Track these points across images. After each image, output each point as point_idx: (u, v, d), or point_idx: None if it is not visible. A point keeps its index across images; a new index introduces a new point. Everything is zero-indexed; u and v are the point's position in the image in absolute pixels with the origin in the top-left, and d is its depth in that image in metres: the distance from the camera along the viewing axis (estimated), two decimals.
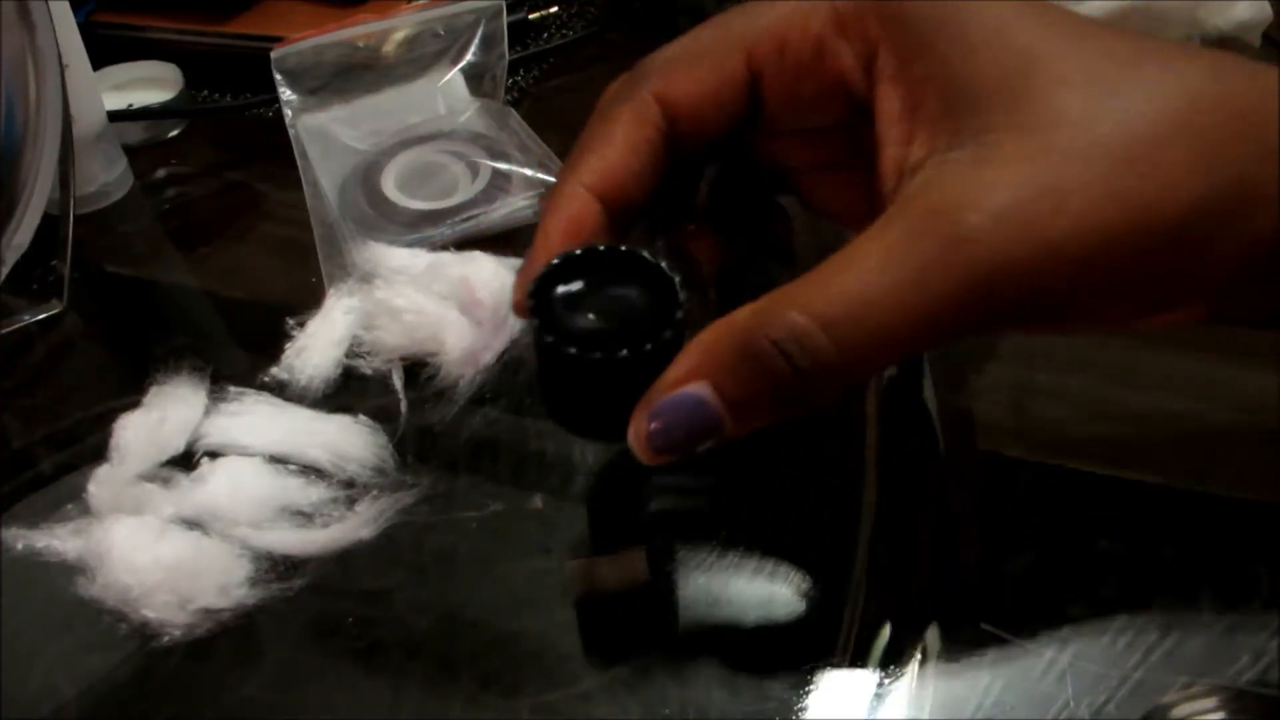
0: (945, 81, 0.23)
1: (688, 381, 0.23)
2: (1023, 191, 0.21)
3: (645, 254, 0.26)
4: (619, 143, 0.27)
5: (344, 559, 0.31)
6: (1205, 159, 0.21)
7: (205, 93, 0.55)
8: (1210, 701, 0.26)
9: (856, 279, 0.22)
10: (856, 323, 0.21)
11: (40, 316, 0.40)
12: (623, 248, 0.26)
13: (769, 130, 0.28)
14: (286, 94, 0.46)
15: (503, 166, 0.44)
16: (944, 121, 0.23)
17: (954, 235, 0.21)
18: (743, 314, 0.23)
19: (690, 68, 0.27)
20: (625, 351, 0.24)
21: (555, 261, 0.26)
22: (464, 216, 0.43)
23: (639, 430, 0.24)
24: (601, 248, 0.26)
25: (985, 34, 0.23)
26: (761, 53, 0.26)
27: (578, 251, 0.26)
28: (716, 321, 0.23)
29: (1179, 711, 0.26)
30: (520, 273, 0.27)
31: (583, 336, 0.25)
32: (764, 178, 0.32)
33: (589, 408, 0.27)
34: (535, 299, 0.25)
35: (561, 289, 0.25)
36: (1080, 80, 0.22)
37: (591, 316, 0.25)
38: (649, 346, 0.24)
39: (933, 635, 0.29)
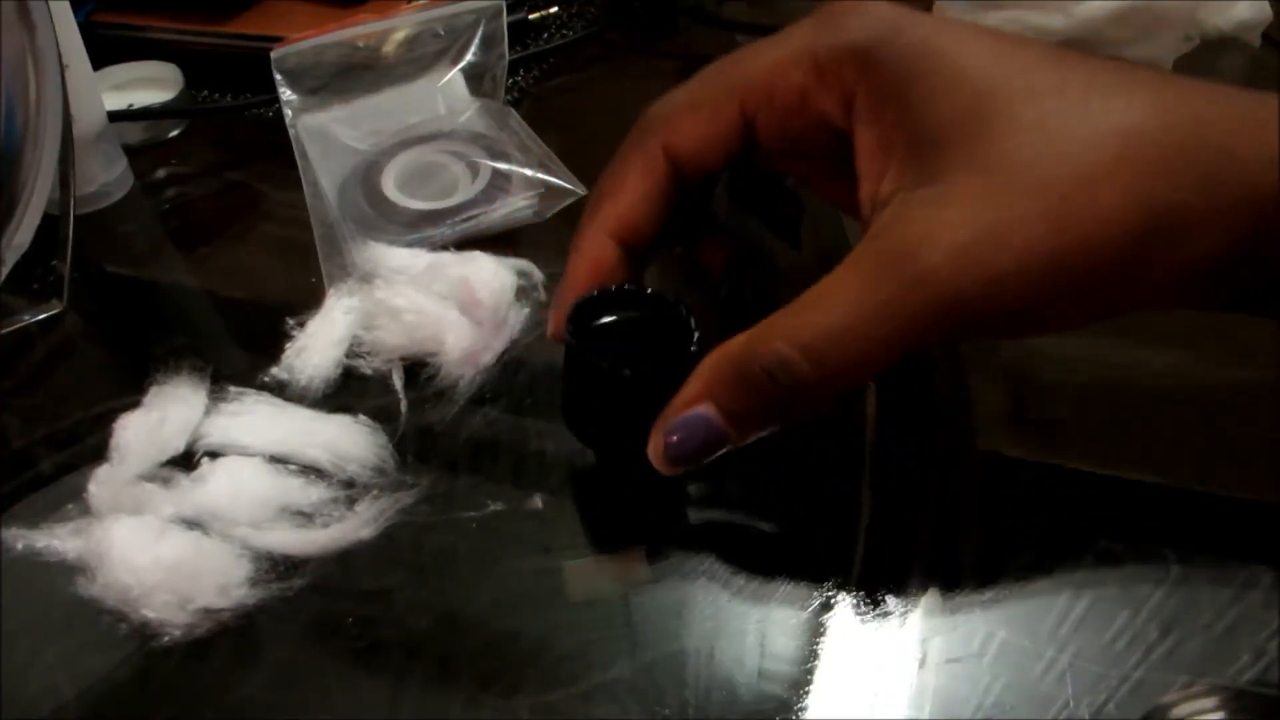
0: (912, 125, 0.26)
1: (695, 403, 0.27)
2: (973, 230, 0.24)
3: (666, 295, 0.30)
4: (631, 190, 0.31)
5: (344, 559, 0.31)
6: (1140, 193, 0.23)
7: (205, 93, 0.55)
8: (1210, 701, 0.26)
9: (831, 312, 0.25)
10: (832, 350, 0.25)
11: (40, 316, 0.40)
12: (648, 289, 0.31)
13: (767, 155, 0.31)
14: (286, 94, 0.46)
15: (503, 166, 0.44)
16: (911, 162, 0.26)
17: (913, 274, 0.24)
18: (738, 342, 0.27)
19: (691, 117, 0.30)
20: (645, 372, 0.29)
21: (591, 295, 0.30)
22: (464, 216, 0.43)
23: (657, 446, 0.28)
24: (629, 286, 0.31)
25: (948, 80, 0.25)
26: (752, 100, 0.29)
27: (611, 288, 0.30)
28: (716, 349, 0.27)
29: (1179, 711, 0.26)
30: (553, 308, 0.31)
31: (609, 360, 0.29)
32: (773, 175, 0.35)
33: (611, 423, 0.31)
34: (572, 325, 0.30)
35: (594, 321, 0.30)
36: (1030, 122, 0.24)
37: (618, 344, 0.30)
38: (665, 368, 0.29)
39: (933, 635, 0.29)
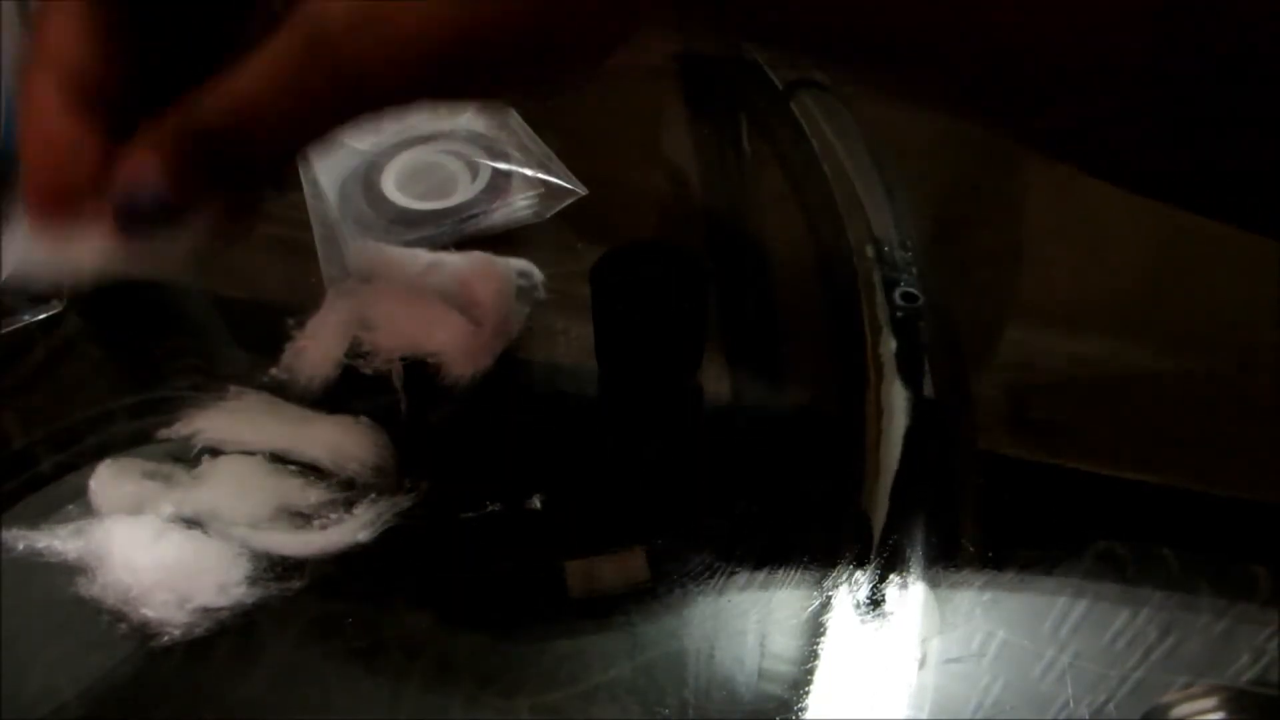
0: None
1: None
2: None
3: (682, 247, 0.35)
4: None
5: (343, 559, 0.31)
6: None
7: None
8: (1210, 701, 0.26)
9: (245, 80, 0.23)
10: (242, 113, 0.23)
11: (40, 316, 0.40)
12: (669, 244, 0.35)
13: None
14: None
15: (503, 166, 0.44)
16: None
17: (315, 36, 0.23)
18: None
19: None
20: (674, 317, 0.34)
21: (614, 250, 0.35)
22: (464, 216, 0.43)
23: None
24: (652, 242, 0.35)
25: None
26: None
27: (634, 244, 0.35)
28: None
29: (1179, 711, 0.26)
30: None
31: (631, 300, 0.34)
32: None
33: (634, 351, 0.36)
34: (598, 275, 0.34)
35: (618, 269, 0.34)
36: None
37: (641, 292, 0.34)
38: (688, 312, 0.34)
39: (932, 634, 0.29)
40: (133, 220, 0.24)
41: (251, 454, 0.33)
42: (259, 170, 0.25)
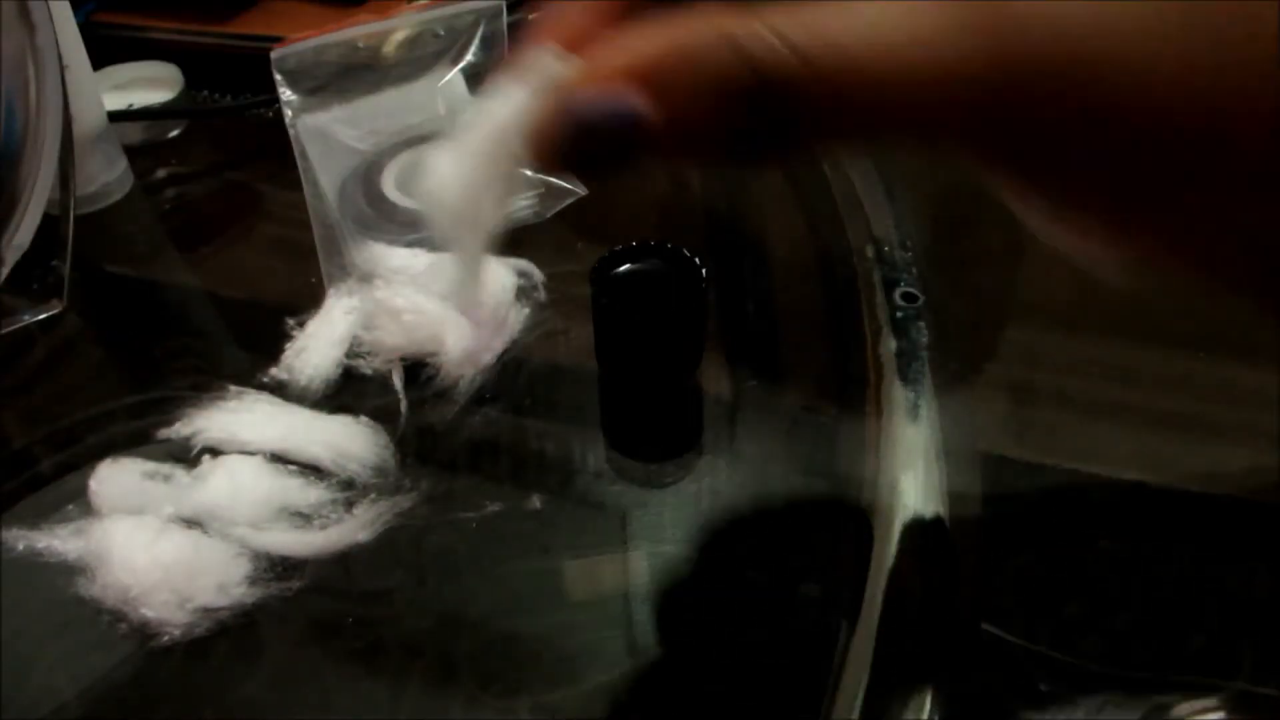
0: None
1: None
2: None
3: (678, 246, 0.35)
4: None
5: (343, 559, 0.31)
6: None
7: (205, 93, 0.55)
8: (1210, 701, 0.26)
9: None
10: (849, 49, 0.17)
11: (40, 316, 0.40)
12: (668, 244, 0.35)
13: None
14: (286, 94, 0.46)
15: None
16: None
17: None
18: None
19: None
20: (669, 312, 0.34)
21: (612, 250, 0.35)
22: None
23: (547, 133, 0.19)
24: (650, 242, 0.35)
25: None
26: None
27: (631, 245, 0.35)
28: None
29: (1179, 711, 0.26)
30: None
31: (630, 299, 0.35)
32: None
33: (633, 351, 0.36)
34: (598, 275, 0.35)
35: (618, 268, 0.35)
36: None
37: (639, 289, 0.35)
38: (683, 307, 0.35)
39: (932, 635, 0.29)
40: (592, 141, 0.18)
41: (251, 454, 0.33)
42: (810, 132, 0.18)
